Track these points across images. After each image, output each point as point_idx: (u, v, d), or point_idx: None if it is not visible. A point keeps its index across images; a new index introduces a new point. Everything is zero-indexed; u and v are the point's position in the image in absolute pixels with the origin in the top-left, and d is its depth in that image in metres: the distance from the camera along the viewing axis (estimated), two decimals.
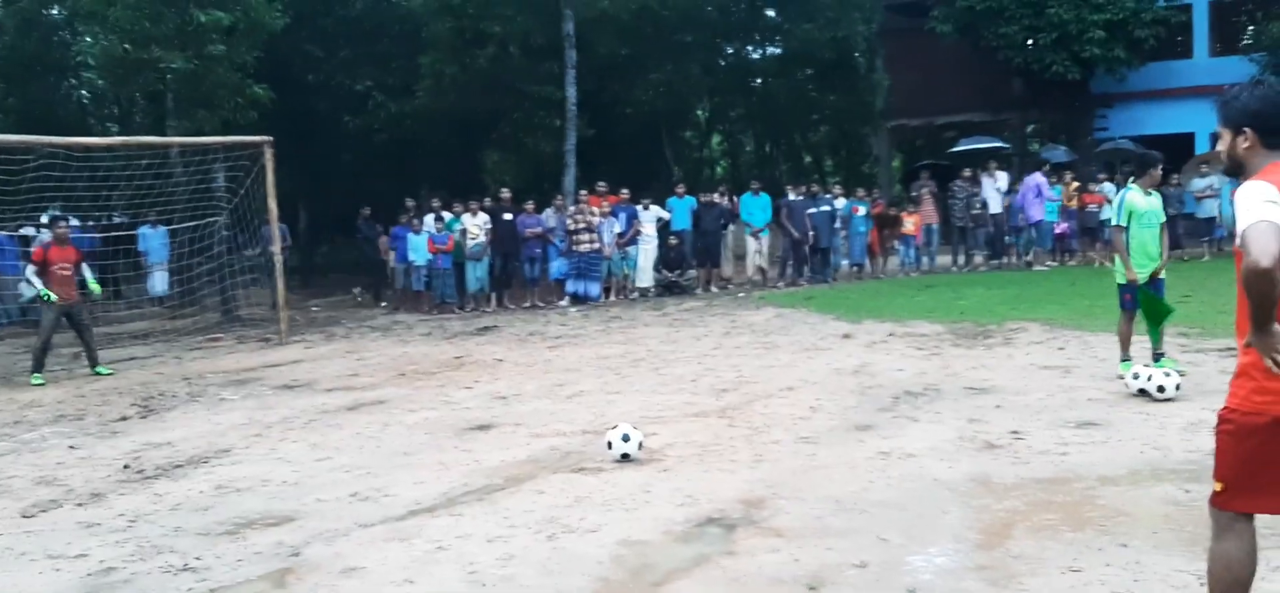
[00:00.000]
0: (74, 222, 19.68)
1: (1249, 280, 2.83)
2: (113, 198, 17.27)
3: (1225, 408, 3.13)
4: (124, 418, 9.26)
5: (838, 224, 18.82)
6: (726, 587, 4.46)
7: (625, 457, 6.57)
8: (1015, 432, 6.77)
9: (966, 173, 19.90)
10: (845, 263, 19.44)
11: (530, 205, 17.73)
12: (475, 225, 17.09)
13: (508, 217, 17.28)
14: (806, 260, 18.78)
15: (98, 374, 12.02)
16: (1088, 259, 19.01)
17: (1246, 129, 3.15)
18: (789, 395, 8.52)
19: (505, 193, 18.00)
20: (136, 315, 18.26)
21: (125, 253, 18.31)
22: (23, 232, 16.96)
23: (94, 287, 12.44)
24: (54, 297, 11.84)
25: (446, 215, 17.48)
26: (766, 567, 4.65)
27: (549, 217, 17.69)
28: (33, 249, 12.83)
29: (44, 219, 18.38)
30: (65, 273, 12.00)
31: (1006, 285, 15.94)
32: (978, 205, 19.44)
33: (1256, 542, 3.20)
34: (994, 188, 19.47)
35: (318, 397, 9.84)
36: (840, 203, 19.24)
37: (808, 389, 8.75)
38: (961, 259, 19.79)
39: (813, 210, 18.53)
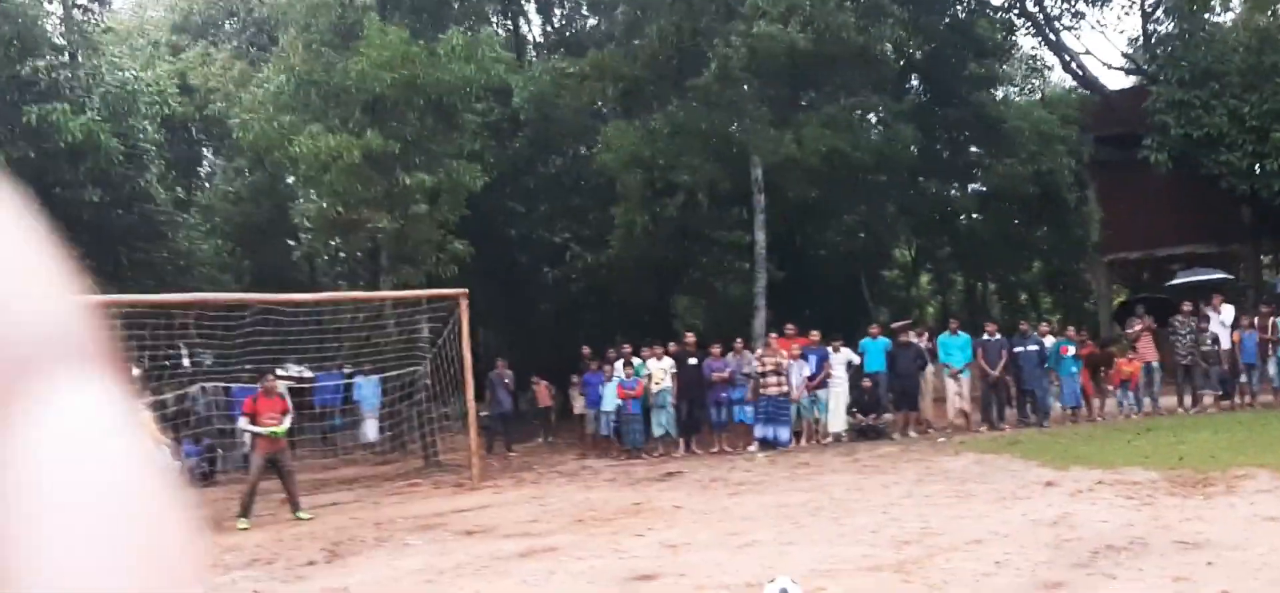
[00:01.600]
0: (306, 372, 21.26)
1: None
2: (336, 351, 18.47)
3: None
4: (311, 563, 9.57)
5: (1048, 364, 17.77)
6: None
7: None
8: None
9: (1187, 307, 18.47)
10: (1056, 405, 18.26)
11: (716, 349, 17.64)
12: (660, 370, 17.13)
13: (693, 361, 17.23)
14: (1009, 402, 17.76)
15: (298, 518, 12.56)
16: None
17: None
18: (975, 549, 7.91)
19: (690, 337, 18.00)
20: (348, 461, 19.16)
21: (344, 402, 19.50)
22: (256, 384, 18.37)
23: (277, 428, 12.92)
24: (276, 431, 12.56)
25: (635, 361, 17.62)
26: None
27: (732, 360, 17.53)
28: (243, 400, 13.71)
29: (282, 371, 19.99)
30: (272, 421, 12.73)
31: (1235, 429, 14.52)
32: (1208, 342, 17.94)
33: None
34: (1219, 322, 17.96)
35: (494, 543, 9.90)
36: (1049, 341, 18.21)
37: (997, 542, 8.10)
38: (1188, 400, 18.22)
39: (1019, 349, 17.62)
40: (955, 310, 36.74)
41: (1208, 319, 18.19)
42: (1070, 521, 8.73)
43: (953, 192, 33.10)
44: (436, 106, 17.95)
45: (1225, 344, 17.83)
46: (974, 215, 34.66)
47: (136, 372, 18.12)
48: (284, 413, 13.03)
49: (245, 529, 12.06)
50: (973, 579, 6.93)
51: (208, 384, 19.18)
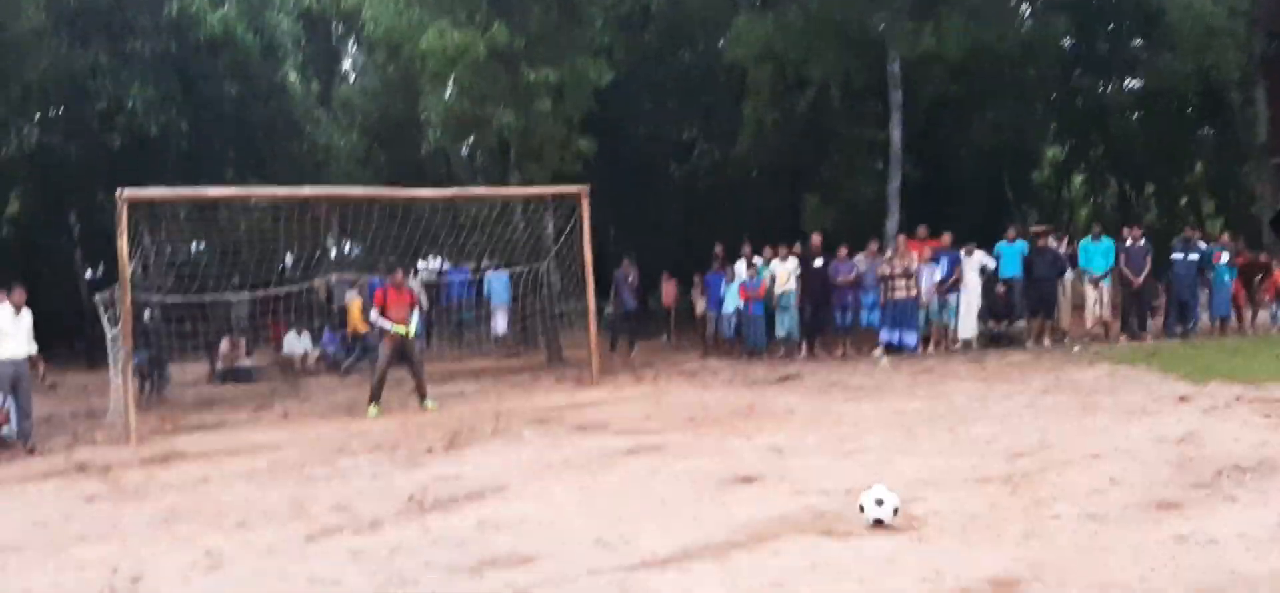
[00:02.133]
0: (447, 267, 21.94)
1: None
2: (469, 247, 18.95)
3: None
4: (429, 451, 9.92)
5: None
6: None
7: (878, 522, 6.11)
8: None
9: None
10: (1204, 317, 17.32)
11: (842, 251, 17.28)
12: (785, 272, 16.91)
13: (818, 263, 16.93)
14: (1153, 312, 16.91)
15: (425, 407, 13.01)
16: None
17: None
18: (1092, 464, 7.60)
19: (815, 238, 17.66)
20: (478, 353, 19.74)
21: (475, 297, 20.08)
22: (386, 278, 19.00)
23: (403, 328, 13.23)
24: (401, 330, 12.99)
25: (758, 261, 17.44)
26: None
27: (861, 262, 17.15)
28: (373, 293, 14.17)
29: (422, 265, 20.72)
30: (400, 316, 13.13)
31: None
32: None
33: None
34: None
35: (604, 439, 10.04)
36: (1202, 248, 17.19)
37: (1116, 458, 7.76)
38: None
39: (1178, 257, 16.69)
40: (1108, 215, 35.03)
41: None
42: (1198, 438, 8.29)
43: (1108, 89, 31.32)
44: (562, 0, 17.87)
45: None
46: (1131, 114, 32.80)
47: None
48: (412, 307, 13.42)
49: (375, 416, 12.57)
50: (1083, 495, 6.66)
51: (346, 276, 20.00)
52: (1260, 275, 17.80)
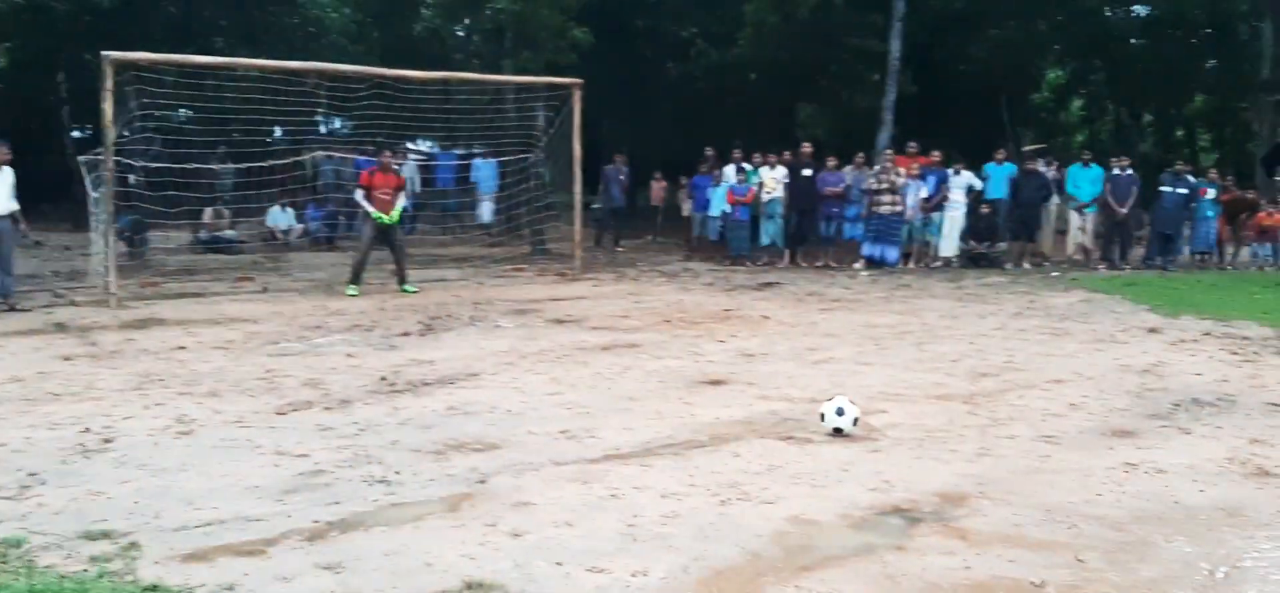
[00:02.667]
0: (434, 149, 21.79)
1: None
2: (459, 131, 18.79)
3: None
4: (405, 334, 10.01)
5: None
6: (876, 585, 4.11)
7: (837, 431, 6.24)
8: None
9: None
10: (1186, 251, 17.43)
11: (832, 162, 17.25)
12: (773, 179, 16.89)
13: (807, 172, 16.91)
14: (1131, 242, 17.03)
15: (404, 291, 13.08)
16: None
17: None
18: (1053, 389, 7.74)
19: (806, 148, 17.61)
20: (462, 240, 19.74)
21: (461, 183, 19.99)
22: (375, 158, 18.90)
23: (394, 215, 13.26)
24: (383, 217, 12.99)
25: (747, 167, 17.40)
26: (931, 570, 4.25)
27: (848, 174, 17.14)
28: (360, 174, 14.12)
29: (412, 146, 20.55)
30: (385, 197, 13.12)
31: None
32: None
33: None
34: None
35: (581, 333, 10.15)
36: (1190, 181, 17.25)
37: (1079, 384, 7.91)
38: None
39: (1166, 189, 16.76)
40: (1105, 141, 34.92)
41: None
42: (1162, 370, 8.45)
43: (1114, 12, 31.00)
44: None
45: None
46: (1135, 40, 32.50)
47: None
48: (398, 189, 13.39)
49: (354, 296, 12.65)
50: (1040, 418, 6.81)
51: (335, 153, 19.86)
52: (1245, 213, 17.88)
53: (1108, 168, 17.13)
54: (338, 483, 5.30)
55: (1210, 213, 17.08)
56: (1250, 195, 18.39)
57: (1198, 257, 17.33)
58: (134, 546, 4.34)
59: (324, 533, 4.57)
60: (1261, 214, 17.68)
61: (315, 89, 17.71)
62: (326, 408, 6.91)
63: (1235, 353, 9.25)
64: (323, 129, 22.78)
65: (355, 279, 13.02)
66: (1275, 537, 4.64)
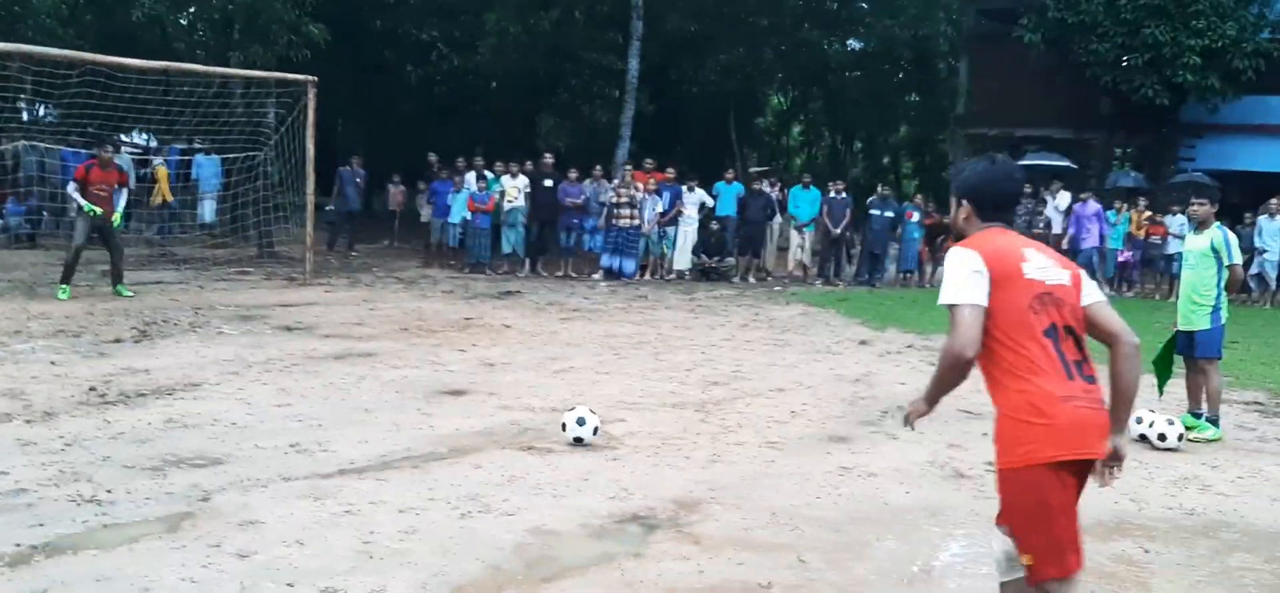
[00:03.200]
0: (151, 142, 20.24)
1: (947, 361, 3.12)
2: (180, 125, 17.56)
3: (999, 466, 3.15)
4: (118, 341, 9.28)
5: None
6: None
7: (578, 441, 6.34)
8: (992, 463, 6.36)
9: (1027, 189, 19.17)
10: (892, 269, 18.93)
11: (573, 174, 17.52)
12: (514, 188, 16.94)
13: (548, 183, 17.08)
14: (849, 261, 18.36)
15: (119, 294, 12.13)
16: (1146, 292, 18.34)
17: (965, 200, 3.40)
18: (776, 397, 8.20)
19: (547, 158, 17.80)
20: (181, 240, 18.50)
21: (183, 178, 18.70)
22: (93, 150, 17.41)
23: (116, 218, 12.35)
24: (97, 211, 11.94)
25: (488, 175, 17.36)
26: (667, 575, 4.40)
27: (588, 187, 17.46)
28: (76, 167, 12.89)
29: (125, 138, 18.95)
30: (103, 194, 12.06)
31: None
32: (1040, 225, 18.72)
33: None
34: (1054, 208, 18.79)
35: (312, 342, 9.77)
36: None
37: (799, 393, 8.42)
38: None
39: (874, 212, 18.11)
40: (821, 165, 37.37)
41: (1045, 203, 18.99)
42: (872, 379, 9.13)
43: (833, 45, 33.25)
44: None
45: (1057, 229, 18.67)
46: (850, 72, 35.02)
47: None
48: (120, 186, 12.37)
49: (64, 299, 11.55)
50: (765, 425, 7.19)
51: (40, 143, 18.10)
52: (943, 236, 19.60)
53: (825, 191, 18.35)
54: (41, 503, 4.86)
55: (915, 235, 18.63)
56: (948, 220, 20.16)
57: (902, 275, 18.84)
58: None
59: (27, 558, 4.18)
60: (953, 238, 19.41)
61: (19, 73, 16.08)
62: (28, 421, 6.32)
63: (932, 364, 10.09)
64: (25, 116, 20.72)
65: (66, 280, 11.87)
66: (971, 534, 5.12)
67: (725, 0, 25.01)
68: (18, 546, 4.29)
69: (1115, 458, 3.11)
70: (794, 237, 18.33)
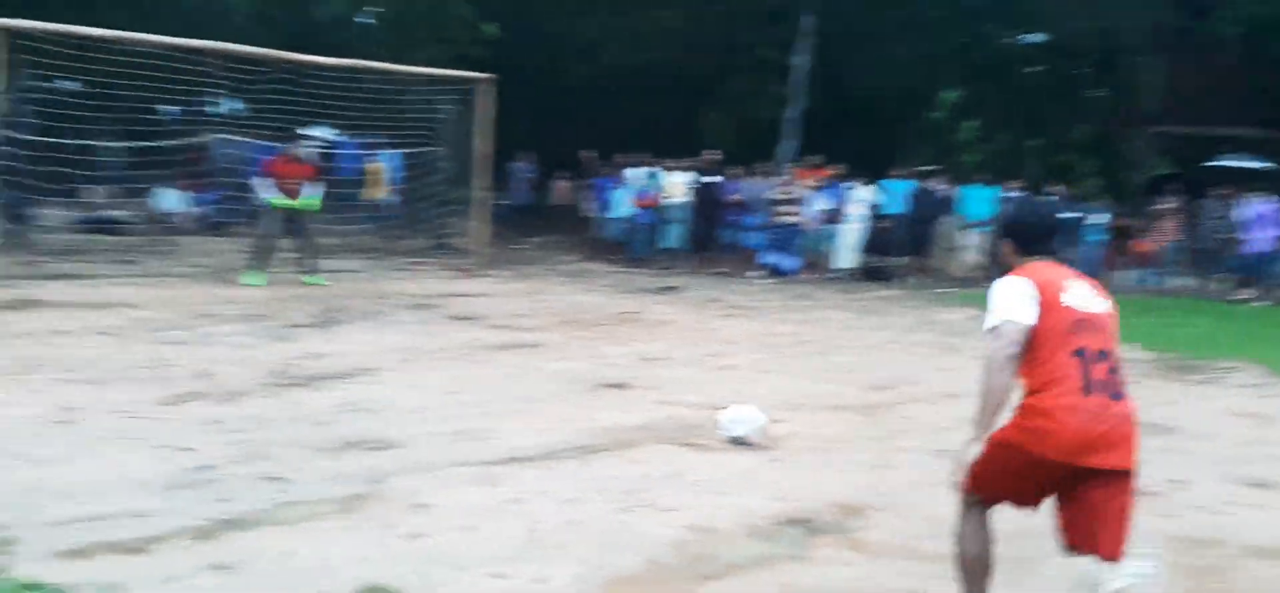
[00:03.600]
0: (341, 138, 21.30)
1: (990, 368, 3.57)
2: (362, 120, 18.40)
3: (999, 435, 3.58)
4: (300, 326, 9.77)
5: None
6: None
7: (738, 439, 6.30)
8: (1176, 480, 6.01)
9: (1220, 191, 18.03)
10: None
11: (736, 171, 17.46)
12: (678, 184, 17.01)
13: (711, 179, 17.08)
14: None
15: (307, 283, 12.58)
16: None
17: (1006, 239, 3.91)
18: (945, 403, 7.92)
19: (710, 155, 17.82)
20: (362, 231, 19.32)
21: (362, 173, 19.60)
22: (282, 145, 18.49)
23: (311, 202, 12.95)
24: (287, 202, 12.50)
25: (652, 171, 17.49)
26: (829, 581, 4.33)
27: (751, 183, 17.36)
28: (267, 161, 13.48)
29: (310, 133, 20.01)
30: (292, 187, 12.64)
31: (1240, 319, 14.35)
32: (1231, 230, 17.54)
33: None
34: (1248, 211, 17.56)
35: (480, 331, 10.05)
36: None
37: (968, 400, 8.07)
38: (1208, 285, 17.94)
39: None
40: (995, 163, 36.05)
41: (1236, 206, 17.78)
42: None
43: (1013, 38, 31.99)
44: None
45: (1250, 234, 17.43)
46: (1030, 67, 33.63)
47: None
48: (308, 179, 12.87)
49: (259, 284, 12.06)
50: (930, 432, 6.97)
51: (232, 137, 19.27)
52: (1126, 238, 18.64)
53: (1002, 189, 17.69)
54: (228, 480, 5.14)
55: (1095, 237, 17.74)
56: (1131, 222, 19.16)
57: None
58: (10, 540, 4.12)
59: (213, 532, 4.42)
60: (1138, 240, 18.42)
61: (215, 70, 17.17)
62: (216, 400, 6.71)
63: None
64: (221, 110, 22.12)
65: (260, 267, 12.42)
66: (1149, 554, 4.82)
67: None
68: (205, 519, 4.55)
69: None
70: (966, 237, 17.74)
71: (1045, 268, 3.62)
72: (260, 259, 12.50)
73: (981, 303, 11.69)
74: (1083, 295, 3.58)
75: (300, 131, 17.91)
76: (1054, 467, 3.49)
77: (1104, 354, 3.51)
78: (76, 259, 13.99)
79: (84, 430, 5.83)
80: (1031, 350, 3.48)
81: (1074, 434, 3.40)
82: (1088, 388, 3.41)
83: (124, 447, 5.56)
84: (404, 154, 18.66)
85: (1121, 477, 3.50)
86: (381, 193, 18.42)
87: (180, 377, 7.29)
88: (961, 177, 21.47)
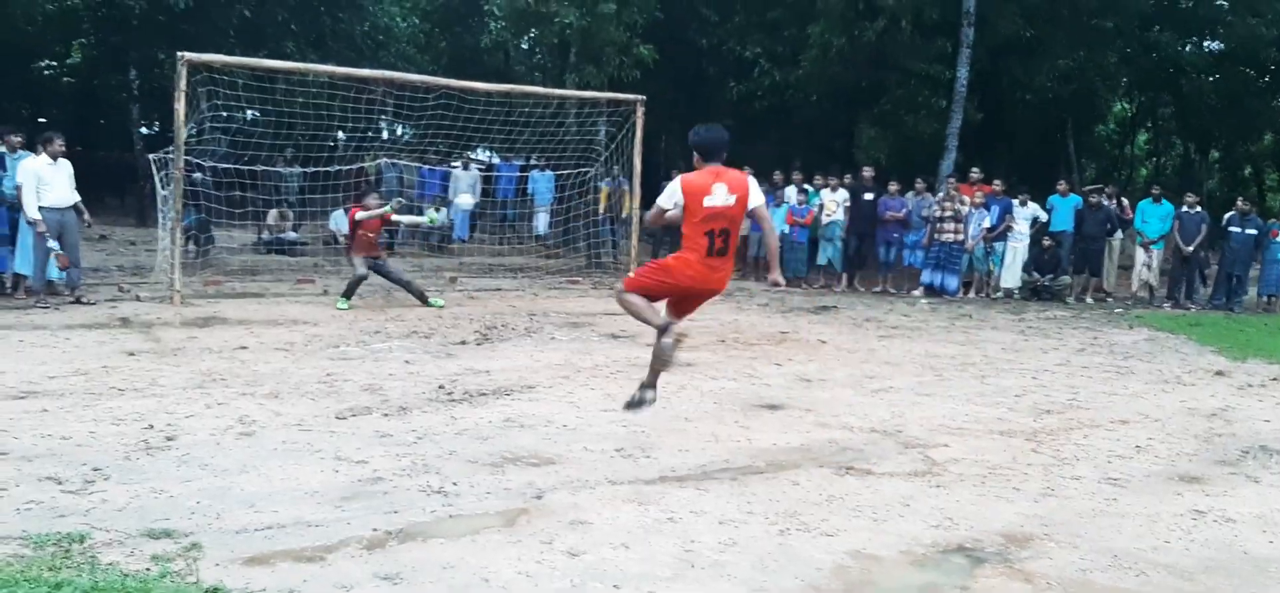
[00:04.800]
0: (496, 160, 21.97)
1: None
2: (518, 142, 18.92)
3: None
4: (463, 343, 10.06)
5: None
6: None
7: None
8: None
9: None
10: (1253, 292, 17.00)
11: (893, 187, 17.10)
12: (833, 201, 16.78)
13: (868, 196, 16.78)
14: (1203, 282, 16.65)
15: (431, 305, 12.55)
16: None
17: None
18: (1118, 429, 7.56)
19: (867, 171, 17.49)
20: (518, 251, 19.80)
21: (521, 192, 20.12)
22: (443, 168, 19.25)
23: (431, 216, 13.45)
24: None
25: (808, 188, 17.30)
26: None
27: (909, 200, 16.97)
28: (350, 208, 13.46)
29: (472, 155, 20.79)
30: (370, 237, 12.65)
31: None
32: None
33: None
34: None
35: (634, 349, 10.09)
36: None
37: (1144, 426, 7.72)
38: None
39: (1234, 229, 16.37)
40: (1169, 177, 34.26)
41: None
42: (1229, 414, 8.21)
43: (1185, 47, 30.39)
44: None
45: None
46: (1206, 75, 31.84)
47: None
48: (385, 227, 13.22)
49: (343, 309, 12.03)
50: (1105, 459, 6.65)
51: (399, 160, 20.08)
52: None
53: (1176, 205, 16.80)
54: (396, 491, 5.32)
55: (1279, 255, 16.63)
56: None
57: (1265, 300, 16.89)
58: (195, 546, 4.38)
59: (383, 542, 4.58)
60: None
61: (382, 96, 17.94)
62: (386, 415, 6.96)
63: None
64: (386, 135, 23.10)
65: (423, 297, 12.56)
66: None
67: (1063, 1, 23.54)
68: (375, 530, 4.71)
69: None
70: (1140, 255, 16.89)
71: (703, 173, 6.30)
72: (415, 293, 12.63)
73: (1155, 324, 11.26)
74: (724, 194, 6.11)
75: (466, 154, 18.57)
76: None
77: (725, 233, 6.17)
78: (256, 278, 14.78)
79: (263, 442, 6.14)
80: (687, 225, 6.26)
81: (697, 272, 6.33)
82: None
83: (300, 459, 5.82)
84: (557, 175, 19.04)
85: None
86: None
87: (352, 392, 7.60)
88: (1130, 191, 20.48)
